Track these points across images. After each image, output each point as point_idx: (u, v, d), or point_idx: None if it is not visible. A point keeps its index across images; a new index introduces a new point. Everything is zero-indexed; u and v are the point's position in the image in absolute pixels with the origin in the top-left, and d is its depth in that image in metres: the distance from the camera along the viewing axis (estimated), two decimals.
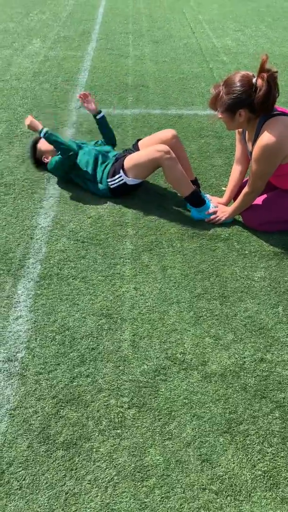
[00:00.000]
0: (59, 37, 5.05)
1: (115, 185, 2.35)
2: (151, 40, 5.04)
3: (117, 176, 2.33)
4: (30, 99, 3.56)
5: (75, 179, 2.48)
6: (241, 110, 1.90)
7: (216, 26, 5.57)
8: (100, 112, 2.59)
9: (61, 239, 2.15)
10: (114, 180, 2.35)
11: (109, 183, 2.36)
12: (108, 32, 5.27)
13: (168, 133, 2.38)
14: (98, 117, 2.59)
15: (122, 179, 2.33)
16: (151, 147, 2.29)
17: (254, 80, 1.86)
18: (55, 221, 2.27)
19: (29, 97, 3.60)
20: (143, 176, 2.34)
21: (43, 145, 2.54)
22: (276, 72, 1.83)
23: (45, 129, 2.36)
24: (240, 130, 2.12)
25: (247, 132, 2.08)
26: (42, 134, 2.36)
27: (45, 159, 2.57)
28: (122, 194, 2.40)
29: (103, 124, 2.62)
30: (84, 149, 2.49)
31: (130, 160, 2.31)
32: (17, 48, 4.67)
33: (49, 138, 2.36)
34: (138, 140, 2.48)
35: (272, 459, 1.32)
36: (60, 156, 2.38)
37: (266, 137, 1.91)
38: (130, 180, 2.32)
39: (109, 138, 2.65)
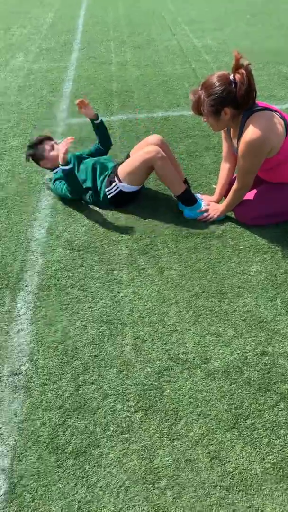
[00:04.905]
0: (41, 50, 5.09)
1: (112, 194, 2.37)
2: (133, 45, 5.08)
3: (113, 184, 2.36)
4: (17, 114, 3.59)
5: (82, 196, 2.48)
6: (226, 108, 1.92)
7: (195, 27, 5.62)
8: (98, 117, 2.59)
9: (56, 250, 2.16)
10: (111, 189, 2.37)
11: (107, 193, 2.38)
12: (89, 41, 5.31)
13: (154, 138, 2.40)
14: (96, 122, 2.59)
15: (118, 187, 2.35)
16: (140, 151, 2.31)
17: (231, 77, 1.89)
18: (49, 232, 2.28)
19: (15, 111, 3.63)
20: (138, 181, 2.36)
21: (49, 153, 2.49)
22: (250, 64, 1.86)
23: (70, 166, 2.30)
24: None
25: (231, 129, 2.10)
26: (67, 168, 2.27)
27: (42, 163, 2.56)
28: (122, 203, 2.41)
29: (101, 129, 2.62)
30: (85, 163, 2.49)
31: (123, 168, 2.33)
32: (0, 63, 4.70)
33: (68, 175, 2.30)
34: (129, 153, 2.50)
35: (280, 450, 1.33)
36: (67, 190, 2.38)
37: (250, 133, 1.92)
38: (126, 187, 2.33)
39: (105, 141, 2.65)
